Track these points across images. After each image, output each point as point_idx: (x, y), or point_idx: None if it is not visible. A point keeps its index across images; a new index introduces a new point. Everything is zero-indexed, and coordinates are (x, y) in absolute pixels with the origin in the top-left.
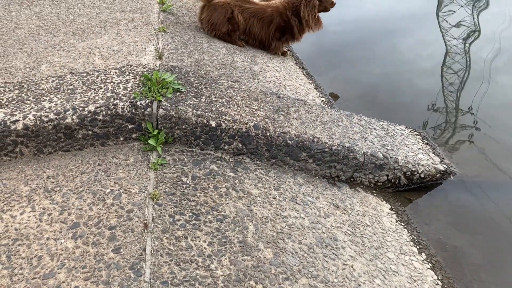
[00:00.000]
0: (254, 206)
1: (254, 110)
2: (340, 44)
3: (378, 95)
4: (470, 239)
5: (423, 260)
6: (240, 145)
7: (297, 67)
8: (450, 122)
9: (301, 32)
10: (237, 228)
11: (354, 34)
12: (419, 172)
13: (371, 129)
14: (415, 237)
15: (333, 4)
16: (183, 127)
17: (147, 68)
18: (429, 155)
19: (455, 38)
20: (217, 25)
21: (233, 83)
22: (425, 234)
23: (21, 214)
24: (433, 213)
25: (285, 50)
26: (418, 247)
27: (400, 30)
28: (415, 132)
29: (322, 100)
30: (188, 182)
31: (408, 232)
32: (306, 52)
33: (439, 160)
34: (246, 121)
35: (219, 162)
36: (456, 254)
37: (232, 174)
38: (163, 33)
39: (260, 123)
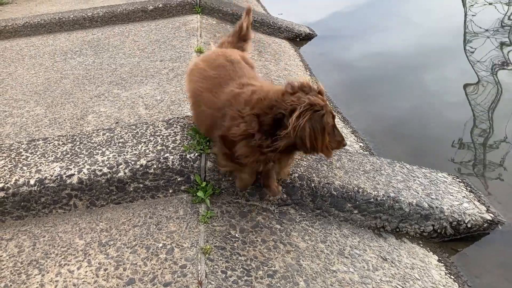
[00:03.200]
0: (303, 261)
1: (296, 160)
2: (373, 82)
3: (414, 139)
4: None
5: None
6: (285, 195)
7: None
8: (486, 163)
9: None
10: (288, 284)
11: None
12: (466, 222)
13: (413, 177)
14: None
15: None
16: (230, 178)
17: (193, 120)
18: (474, 203)
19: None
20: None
21: None
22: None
23: (78, 269)
24: (483, 265)
25: None
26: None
27: (428, 64)
28: (458, 179)
29: (360, 146)
30: (237, 235)
31: (459, 286)
32: (337, 94)
33: (485, 209)
34: (290, 172)
35: (265, 213)
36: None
37: (278, 226)
38: None
39: (304, 173)
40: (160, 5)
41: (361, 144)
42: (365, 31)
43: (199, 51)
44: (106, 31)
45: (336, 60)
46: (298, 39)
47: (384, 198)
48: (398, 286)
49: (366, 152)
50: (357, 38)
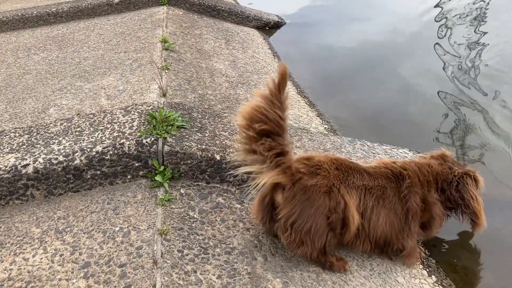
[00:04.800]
0: (263, 237)
1: None
2: (341, 70)
3: (381, 119)
4: (480, 259)
5: (433, 283)
6: (246, 176)
7: (299, 96)
8: (457, 142)
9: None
10: (245, 259)
11: (353, 58)
12: None
13: (374, 153)
14: (424, 260)
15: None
16: (189, 162)
17: (151, 106)
18: None
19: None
20: (313, 235)
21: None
22: (434, 256)
23: (33, 256)
24: (440, 234)
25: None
26: (427, 270)
27: (402, 53)
28: (418, 154)
29: (325, 127)
30: (195, 216)
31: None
32: (307, 80)
33: None
34: None
35: (226, 194)
36: (467, 275)
37: (238, 206)
38: (166, 71)
39: None
40: None
41: (326, 126)
42: (335, 19)
43: (164, 41)
44: (71, 26)
45: (305, 46)
46: (267, 28)
47: None
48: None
49: (329, 133)
50: (327, 25)
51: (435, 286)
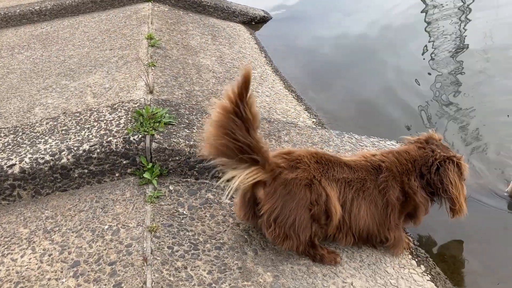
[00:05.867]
0: (253, 232)
1: None
2: (328, 63)
3: (369, 112)
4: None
5: (422, 273)
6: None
7: (286, 90)
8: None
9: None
10: (236, 254)
11: (340, 52)
12: None
13: (362, 146)
14: (413, 250)
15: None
16: (177, 158)
17: (138, 104)
18: None
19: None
20: (297, 228)
21: None
22: (423, 246)
23: (21, 256)
24: (428, 224)
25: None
26: (416, 260)
27: (390, 46)
28: (406, 137)
29: (313, 121)
30: (185, 212)
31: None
32: (294, 74)
33: None
34: None
35: (215, 190)
36: (456, 264)
37: (228, 201)
38: (153, 68)
39: None
40: None
41: (314, 119)
42: (322, 13)
43: (150, 38)
44: (56, 24)
45: (292, 41)
46: (253, 23)
47: None
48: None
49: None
50: (313, 19)
51: (424, 275)
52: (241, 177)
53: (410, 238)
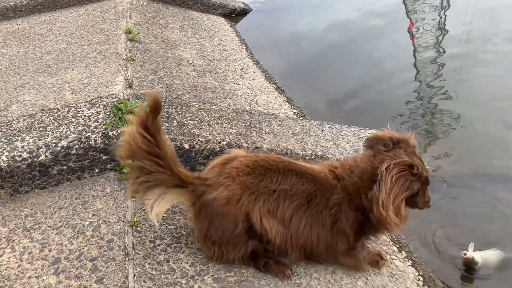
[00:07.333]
0: None
1: (226, 128)
2: (308, 55)
3: (350, 103)
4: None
5: (403, 258)
6: None
7: (268, 82)
8: (424, 123)
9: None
10: None
11: (321, 43)
12: None
13: (342, 135)
14: (394, 237)
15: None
16: None
17: (117, 98)
18: None
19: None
20: (230, 245)
21: (204, 104)
22: (402, 231)
23: (0, 256)
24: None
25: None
26: (397, 246)
27: (371, 37)
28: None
29: (295, 112)
30: None
31: None
32: (275, 67)
33: None
34: (219, 140)
35: None
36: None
37: None
38: (131, 62)
39: (233, 140)
40: None
41: (295, 111)
42: (302, 4)
43: (128, 32)
44: (32, 20)
45: (272, 33)
46: (233, 15)
47: (312, 157)
48: None
49: (299, 118)
50: (293, 12)
51: (405, 260)
52: (166, 198)
53: (384, 253)
